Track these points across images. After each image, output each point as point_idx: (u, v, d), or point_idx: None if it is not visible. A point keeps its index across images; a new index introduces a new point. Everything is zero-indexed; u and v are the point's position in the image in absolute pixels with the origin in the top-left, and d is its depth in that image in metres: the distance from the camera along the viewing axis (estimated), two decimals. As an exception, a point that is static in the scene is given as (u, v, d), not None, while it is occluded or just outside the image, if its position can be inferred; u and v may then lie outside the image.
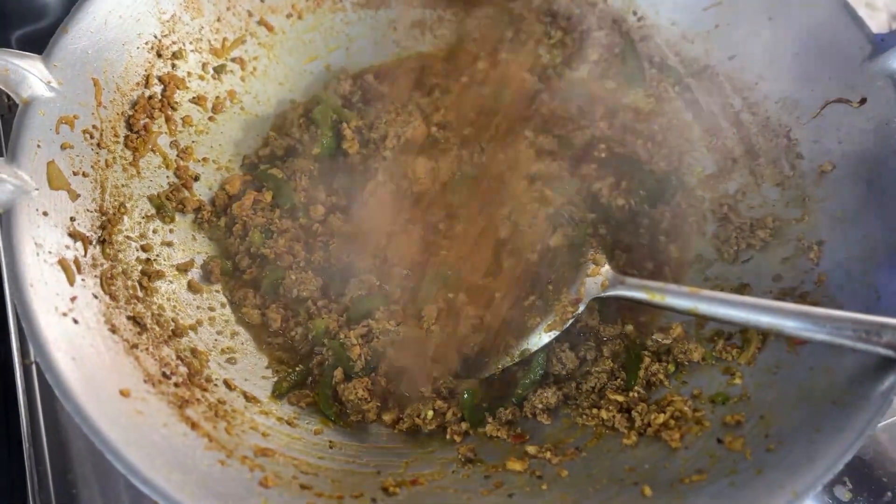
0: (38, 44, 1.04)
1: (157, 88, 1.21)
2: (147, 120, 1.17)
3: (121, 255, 1.05)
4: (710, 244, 1.23)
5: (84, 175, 1.03)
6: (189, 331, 1.09)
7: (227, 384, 1.05)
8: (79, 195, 1.01)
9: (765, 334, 1.02)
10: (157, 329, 1.03)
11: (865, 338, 0.83)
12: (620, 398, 1.06)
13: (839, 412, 0.84)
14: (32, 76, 0.99)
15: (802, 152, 1.16)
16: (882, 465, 1.14)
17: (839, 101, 1.12)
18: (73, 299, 0.91)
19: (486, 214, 1.28)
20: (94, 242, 1.01)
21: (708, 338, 1.09)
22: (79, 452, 1.15)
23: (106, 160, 1.09)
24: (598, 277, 1.09)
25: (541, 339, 1.09)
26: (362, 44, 1.49)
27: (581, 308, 1.09)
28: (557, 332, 1.09)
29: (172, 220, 1.19)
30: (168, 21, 1.22)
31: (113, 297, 0.98)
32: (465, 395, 1.08)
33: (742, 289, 1.13)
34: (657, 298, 1.01)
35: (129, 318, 0.99)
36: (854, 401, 0.84)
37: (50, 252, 0.92)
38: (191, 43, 1.26)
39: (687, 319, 1.11)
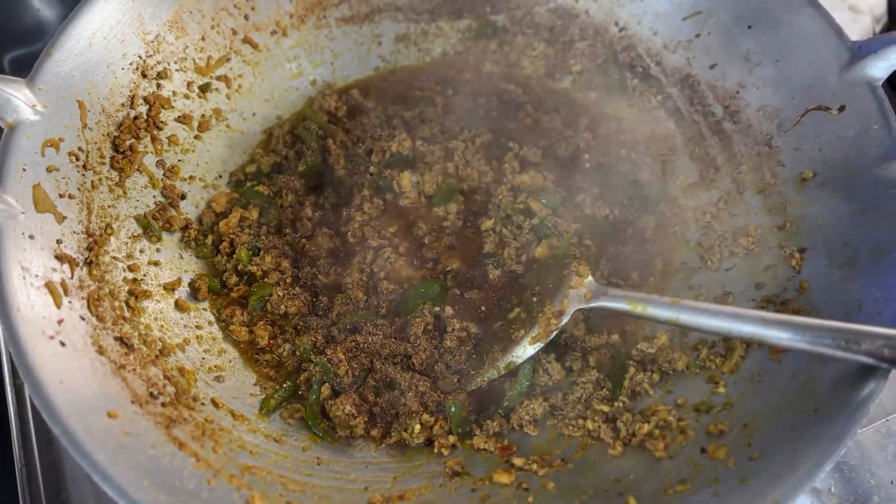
0: (31, 66, 1.05)
1: (143, 108, 1.21)
2: (133, 140, 1.18)
3: (108, 276, 1.06)
4: (693, 252, 1.24)
5: (70, 197, 1.04)
6: (176, 350, 1.10)
7: (214, 403, 1.06)
8: (65, 217, 1.01)
9: (747, 343, 1.03)
10: (145, 349, 1.03)
11: (845, 346, 0.83)
12: (606, 408, 1.06)
13: (820, 419, 0.85)
14: (17, 100, 1.00)
15: (784, 160, 1.17)
16: (868, 470, 1.15)
17: (819, 109, 1.13)
18: (60, 322, 0.91)
19: (472, 227, 1.29)
20: (80, 264, 1.01)
21: (692, 346, 1.10)
22: (72, 472, 1.15)
23: (92, 182, 1.09)
24: (582, 289, 1.10)
25: (526, 350, 1.10)
26: (347, 59, 1.50)
27: (565, 320, 1.09)
28: (542, 344, 1.10)
29: (159, 239, 1.20)
30: (152, 41, 1.22)
31: (100, 319, 0.99)
32: (453, 408, 1.09)
33: (725, 297, 1.14)
34: (639, 309, 1.02)
35: (116, 338, 0.99)
36: (835, 408, 0.85)
37: (37, 275, 0.92)
38: (175, 62, 1.27)
39: (671, 329, 1.12)
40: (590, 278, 1.10)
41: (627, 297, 1.04)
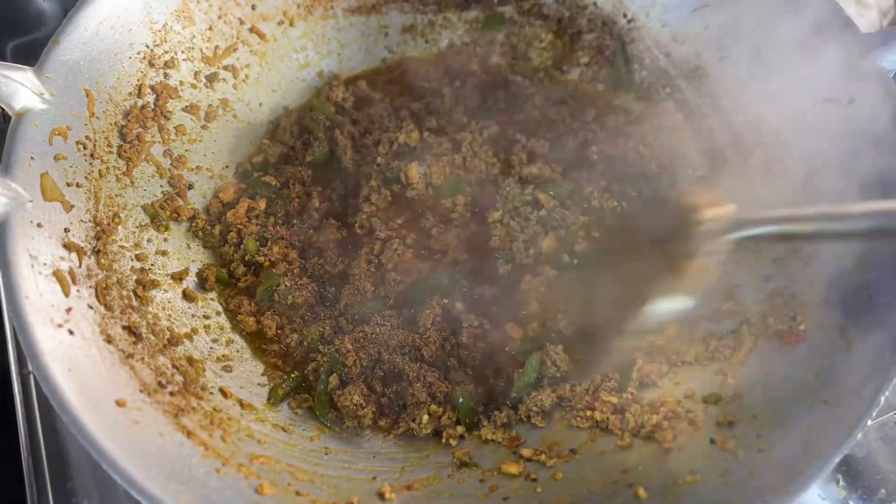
0: (34, 54, 1.04)
1: (150, 98, 1.21)
2: (140, 129, 1.18)
3: (115, 265, 1.06)
4: (702, 244, 1.23)
5: (78, 186, 1.04)
6: (184, 339, 1.09)
7: (222, 392, 1.06)
8: (73, 206, 1.01)
9: (756, 335, 1.03)
10: (153, 338, 1.03)
11: None
12: (614, 399, 1.06)
13: (830, 411, 0.85)
14: (25, 88, 0.99)
15: (793, 152, 1.17)
16: (875, 463, 1.15)
17: (829, 101, 1.12)
18: (68, 310, 0.91)
19: (479, 219, 1.29)
20: (88, 253, 1.01)
21: (701, 338, 1.10)
22: (78, 462, 1.15)
23: (99, 170, 1.09)
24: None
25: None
26: (354, 49, 1.50)
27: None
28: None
29: (167, 228, 1.19)
30: (160, 31, 1.22)
31: (108, 308, 0.99)
32: (461, 399, 1.09)
33: (733, 289, 1.13)
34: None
35: (124, 327, 0.99)
36: (845, 400, 0.85)
37: (45, 264, 0.92)
38: (183, 52, 1.27)
39: (679, 320, 1.11)
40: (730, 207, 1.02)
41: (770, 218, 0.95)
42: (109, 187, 1.11)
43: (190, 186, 1.26)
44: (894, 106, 1.04)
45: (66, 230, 0.99)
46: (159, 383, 0.97)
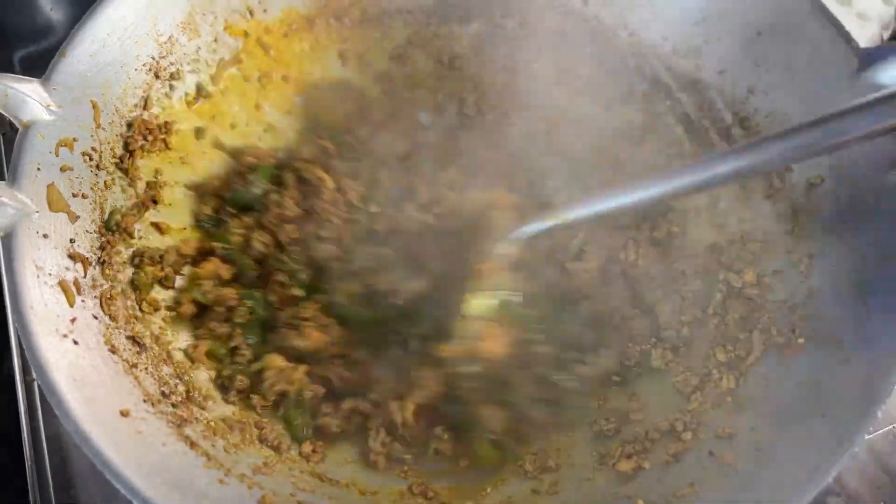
0: (41, 64, 1.05)
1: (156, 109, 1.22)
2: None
3: (120, 276, 1.06)
4: (701, 257, 1.24)
5: (83, 197, 1.04)
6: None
7: (224, 402, 1.06)
8: (78, 217, 1.02)
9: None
10: (157, 348, 1.04)
11: None
12: (616, 411, 1.07)
13: (827, 425, 0.85)
14: (32, 100, 1.00)
15: (792, 165, 1.17)
16: (874, 475, 1.15)
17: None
18: (73, 320, 0.92)
19: None
20: (93, 263, 1.02)
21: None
22: (81, 469, 1.15)
23: (105, 181, 1.10)
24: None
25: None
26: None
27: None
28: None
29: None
30: (165, 43, 1.22)
31: (113, 318, 0.99)
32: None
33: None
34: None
35: (128, 337, 1.00)
36: (843, 414, 0.85)
37: (50, 274, 0.93)
38: (188, 64, 1.27)
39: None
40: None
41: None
42: (114, 198, 1.12)
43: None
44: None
45: (72, 241, 0.99)
46: (163, 393, 0.97)
